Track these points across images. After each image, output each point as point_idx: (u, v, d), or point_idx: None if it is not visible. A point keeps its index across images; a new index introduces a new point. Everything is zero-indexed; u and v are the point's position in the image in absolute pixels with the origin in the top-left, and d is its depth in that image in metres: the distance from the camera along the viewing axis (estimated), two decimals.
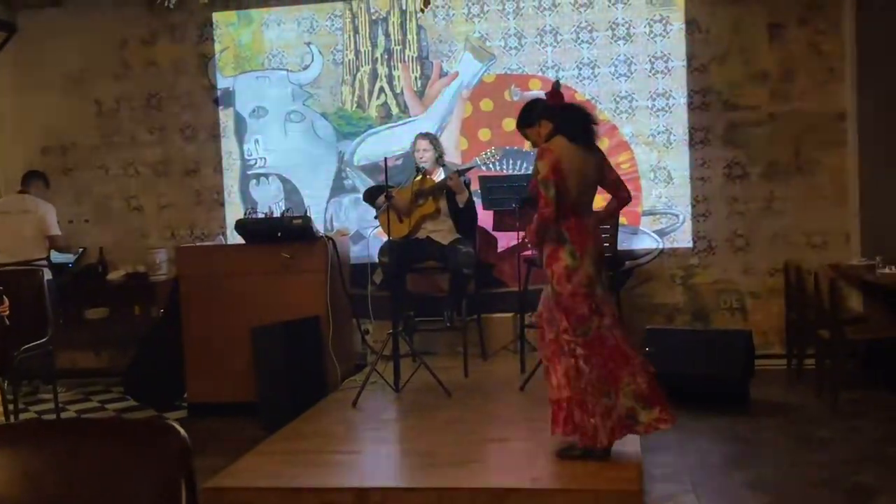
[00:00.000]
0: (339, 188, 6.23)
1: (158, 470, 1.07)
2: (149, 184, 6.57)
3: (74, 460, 1.06)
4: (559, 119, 3.32)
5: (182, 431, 1.15)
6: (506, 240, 5.81)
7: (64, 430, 1.13)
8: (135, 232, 6.55)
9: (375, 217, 5.21)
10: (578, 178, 3.28)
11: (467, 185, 5.29)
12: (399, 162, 5.99)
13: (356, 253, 6.01)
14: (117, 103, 6.55)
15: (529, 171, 5.84)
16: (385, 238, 5.29)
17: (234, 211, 6.29)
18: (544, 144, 3.31)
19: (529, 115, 3.46)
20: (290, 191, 6.31)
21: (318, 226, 5.44)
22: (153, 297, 6.05)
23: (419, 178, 5.28)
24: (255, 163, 6.39)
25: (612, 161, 5.86)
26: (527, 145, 5.96)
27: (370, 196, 5.37)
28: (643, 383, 3.26)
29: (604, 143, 5.92)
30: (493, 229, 5.66)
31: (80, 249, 6.46)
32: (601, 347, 3.26)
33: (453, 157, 5.96)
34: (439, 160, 5.36)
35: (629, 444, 3.51)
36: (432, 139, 5.41)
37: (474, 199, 5.35)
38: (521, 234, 5.03)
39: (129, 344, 5.83)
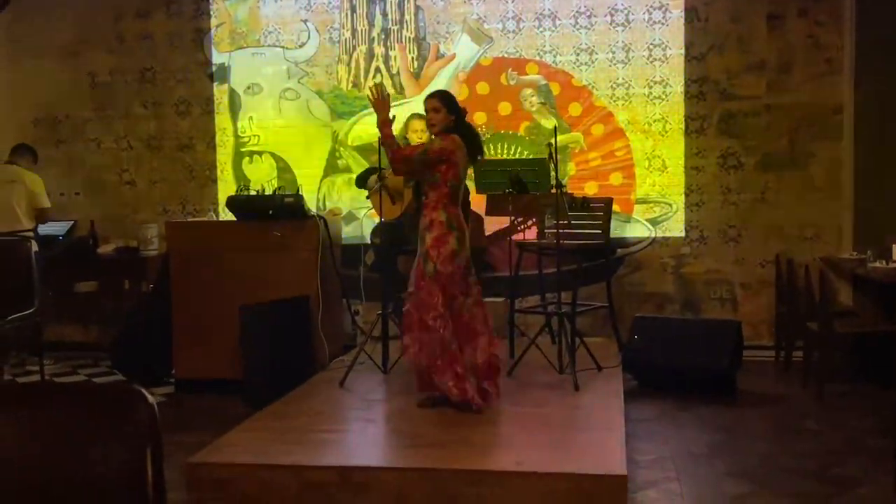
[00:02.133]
0: (332, 168, 6.21)
1: (124, 436, 1.05)
2: (141, 158, 6.54)
3: (37, 424, 1.04)
4: (463, 126, 3.90)
5: (150, 398, 1.13)
6: (498, 224, 5.78)
7: (27, 393, 1.11)
8: (126, 206, 6.53)
9: (367, 198, 5.17)
10: (461, 176, 3.88)
11: None
12: None
13: (348, 234, 6.00)
14: (111, 76, 6.51)
15: (524, 155, 5.89)
16: (376, 220, 5.25)
17: (226, 188, 6.27)
18: (454, 135, 3.83)
19: (451, 102, 3.91)
20: (283, 169, 6.30)
21: (311, 205, 5.43)
22: (143, 271, 6.02)
23: None
24: (249, 140, 6.36)
25: (607, 148, 5.96)
26: (522, 129, 6.02)
27: (362, 178, 5.33)
28: (480, 359, 3.82)
29: (599, 130, 5.93)
30: (487, 213, 5.60)
31: (71, 222, 6.42)
32: (458, 322, 3.81)
33: None
34: None
35: (614, 430, 3.51)
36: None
37: (467, 183, 5.31)
38: (519, 218, 5.05)
39: (118, 318, 5.82)
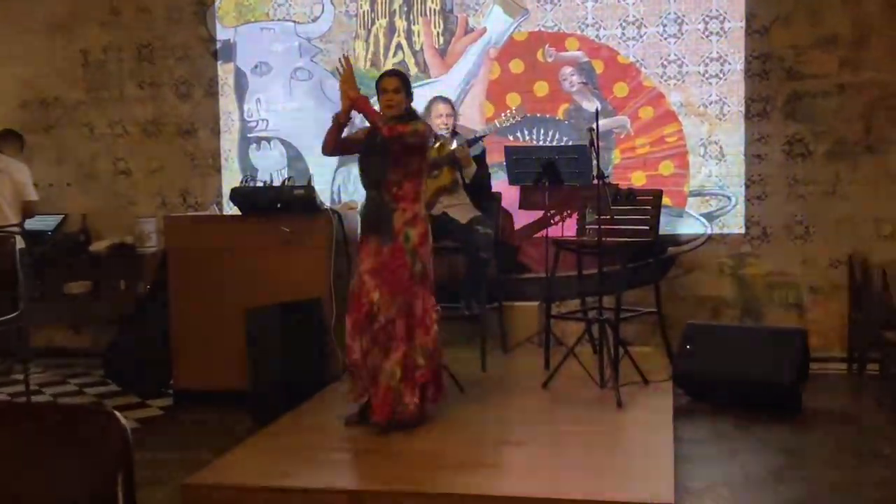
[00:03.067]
0: (348, 156, 6.19)
1: (94, 461, 1.05)
2: (138, 145, 6.60)
3: (2, 447, 1.04)
4: (414, 115, 4.06)
5: (123, 420, 1.13)
6: (531, 219, 5.80)
7: None
8: (121, 198, 6.60)
9: None
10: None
11: (481, 156, 5.29)
12: None
13: None
14: (105, 54, 6.57)
15: (563, 142, 5.88)
16: None
17: (231, 178, 6.31)
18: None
19: (409, 85, 4.05)
20: (294, 158, 6.32)
21: (324, 197, 5.44)
22: (139, 271, 6.08)
23: (436, 146, 5.22)
24: (256, 125, 6.40)
25: (657, 134, 5.92)
26: (560, 112, 5.99)
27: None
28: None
29: (648, 113, 5.89)
30: (520, 207, 5.60)
31: (61, 216, 6.50)
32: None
33: (478, 125, 5.94)
34: (454, 129, 5.36)
35: (661, 453, 3.48)
36: (452, 104, 5.38)
37: (499, 172, 5.31)
38: (554, 213, 5.05)
39: (113, 322, 5.88)
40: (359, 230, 4.32)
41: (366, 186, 4.05)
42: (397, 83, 3.96)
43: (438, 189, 5.22)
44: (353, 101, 3.89)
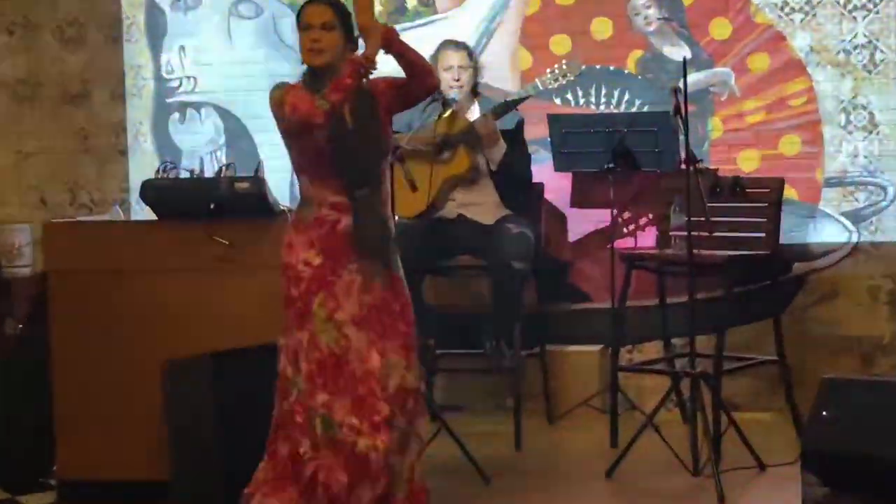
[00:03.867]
0: None
1: None
2: (5, 117, 6.61)
3: None
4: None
5: None
6: (591, 222, 5.84)
7: None
8: None
9: None
10: None
11: (516, 131, 5.31)
12: None
13: None
14: None
15: (634, 108, 5.88)
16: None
17: (142, 164, 6.33)
18: None
19: (347, 17, 3.87)
20: (235, 133, 6.32)
21: (280, 193, 5.40)
22: (7, 303, 6.06)
23: (446, 115, 5.24)
24: (179, 85, 6.42)
25: (776, 94, 5.89)
26: (631, 63, 6.01)
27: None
28: None
29: (761, 64, 5.89)
30: (573, 204, 5.62)
31: None
32: None
33: (509, 83, 5.94)
34: (475, 89, 5.36)
35: None
36: (470, 52, 5.36)
37: (541, 152, 5.40)
38: (625, 214, 5.15)
39: None
40: (310, 251, 3.99)
41: (352, 183, 3.87)
42: (327, 14, 3.85)
43: (451, 179, 5.23)
44: (385, 35, 3.72)
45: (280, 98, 3.79)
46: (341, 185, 3.81)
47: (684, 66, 4.59)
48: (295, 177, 6.01)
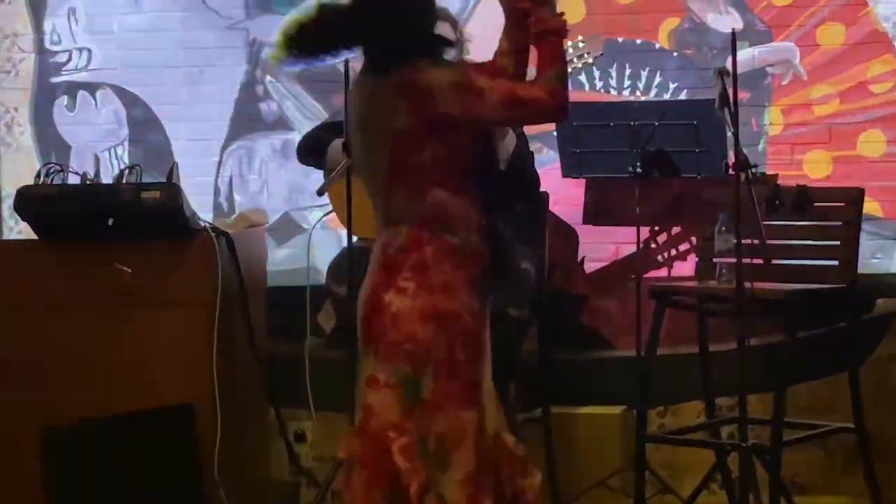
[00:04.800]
0: (248, 118, 6.30)
1: None
2: None
3: None
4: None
5: None
6: (611, 244, 5.88)
7: None
8: None
9: (321, 192, 5.20)
10: None
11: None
12: None
13: (284, 263, 6.08)
14: None
15: (667, 95, 5.87)
16: (344, 236, 5.30)
17: (17, 165, 6.36)
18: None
19: None
20: (143, 123, 6.36)
21: (200, 205, 5.46)
22: None
23: None
24: (69, 60, 6.45)
25: (855, 77, 5.88)
26: (663, 35, 6.08)
27: (313, 147, 5.41)
28: None
29: (835, 37, 5.95)
30: (586, 221, 5.61)
31: None
32: None
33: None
34: None
35: None
36: (452, 21, 5.33)
37: (548, 153, 5.43)
38: (659, 236, 5.21)
39: None
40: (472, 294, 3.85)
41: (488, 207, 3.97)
42: None
43: None
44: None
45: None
46: (480, 198, 3.86)
47: (733, 40, 4.59)
48: (220, 174, 6.15)
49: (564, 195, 5.57)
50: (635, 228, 5.18)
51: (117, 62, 6.42)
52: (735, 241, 4.60)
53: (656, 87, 5.92)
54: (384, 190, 3.84)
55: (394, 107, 3.72)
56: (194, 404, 4.91)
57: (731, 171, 4.60)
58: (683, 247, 5.32)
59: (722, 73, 4.56)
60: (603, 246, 5.90)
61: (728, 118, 4.58)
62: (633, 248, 5.37)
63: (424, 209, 3.74)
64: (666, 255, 5.27)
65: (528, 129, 5.47)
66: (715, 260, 5.12)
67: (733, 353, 4.83)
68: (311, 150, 5.33)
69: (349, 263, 5.04)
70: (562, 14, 3.83)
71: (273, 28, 5.97)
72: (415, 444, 3.64)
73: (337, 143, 5.13)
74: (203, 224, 5.09)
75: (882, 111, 5.93)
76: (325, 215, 5.77)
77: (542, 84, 3.78)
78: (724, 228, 4.86)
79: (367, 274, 3.84)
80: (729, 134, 4.65)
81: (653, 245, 5.20)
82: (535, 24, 3.84)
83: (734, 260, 4.65)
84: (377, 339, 3.71)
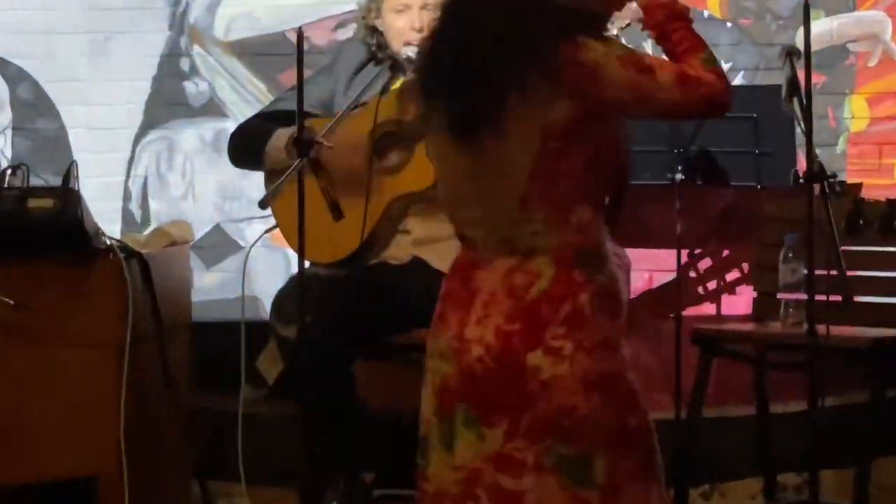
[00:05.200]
0: (169, 101, 6.34)
1: None
2: None
3: None
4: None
5: None
6: (642, 270, 5.96)
7: None
8: None
9: (263, 203, 5.10)
10: None
11: None
12: (341, 37, 6.18)
13: (213, 292, 6.16)
14: None
15: None
16: (294, 260, 5.42)
17: None
18: None
19: None
20: (29, 106, 6.35)
21: (107, 216, 5.46)
22: None
23: (397, 89, 5.31)
24: None
25: None
26: (713, 3, 6.29)
27: (248, 145, 5.43)
28: None
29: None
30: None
31: None
32: None
33: None
34: None
35: None
36: None
37: None
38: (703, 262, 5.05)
39: None
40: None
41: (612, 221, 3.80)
42: None
43: (402, 198, 5.26)
44: None
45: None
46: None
47: (806, 8, 4.37)
48: (131, 173, 6.00)
49: None
50: (674, 251, 5.03)
51: (3, 29, 6.41)
52: (805, 271, 4.46)
53: None
54: (513, 207, 3.45)
55: (549, 92, 3.38)
56: (97, 476, 4.83)
57: (800, 180, 4.34)
58: (733, 276, 5.25)
59: (790, 51, 4.35)
60: (632, 273, 5.47)
61: (798, 110, 4.31)
62: (671, 277, 5.28)
63: (569, 236, 3.35)
64: (710, 286, 5.13)
65: None
66: (779, 296, 5.14)
67: (802, 417, 4.69)
68: (247, 147, 5.25)
69: (300, 296, 4.87)
70: None
71: None
72: None
73: (282, 136, 5.13)
74: (109, 242, 4.92)
75: None
76: (268, 230, 5.69)
77: (702, 65, 3.51)
78: (790, 255, 4.92)
79: (478, 314, 3.44)
80: (799, 131, 4.41)
81: (692, 273, 5.00)
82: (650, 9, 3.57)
83: (804, 296, 4.54)
84: (517, 409, 3.34)
